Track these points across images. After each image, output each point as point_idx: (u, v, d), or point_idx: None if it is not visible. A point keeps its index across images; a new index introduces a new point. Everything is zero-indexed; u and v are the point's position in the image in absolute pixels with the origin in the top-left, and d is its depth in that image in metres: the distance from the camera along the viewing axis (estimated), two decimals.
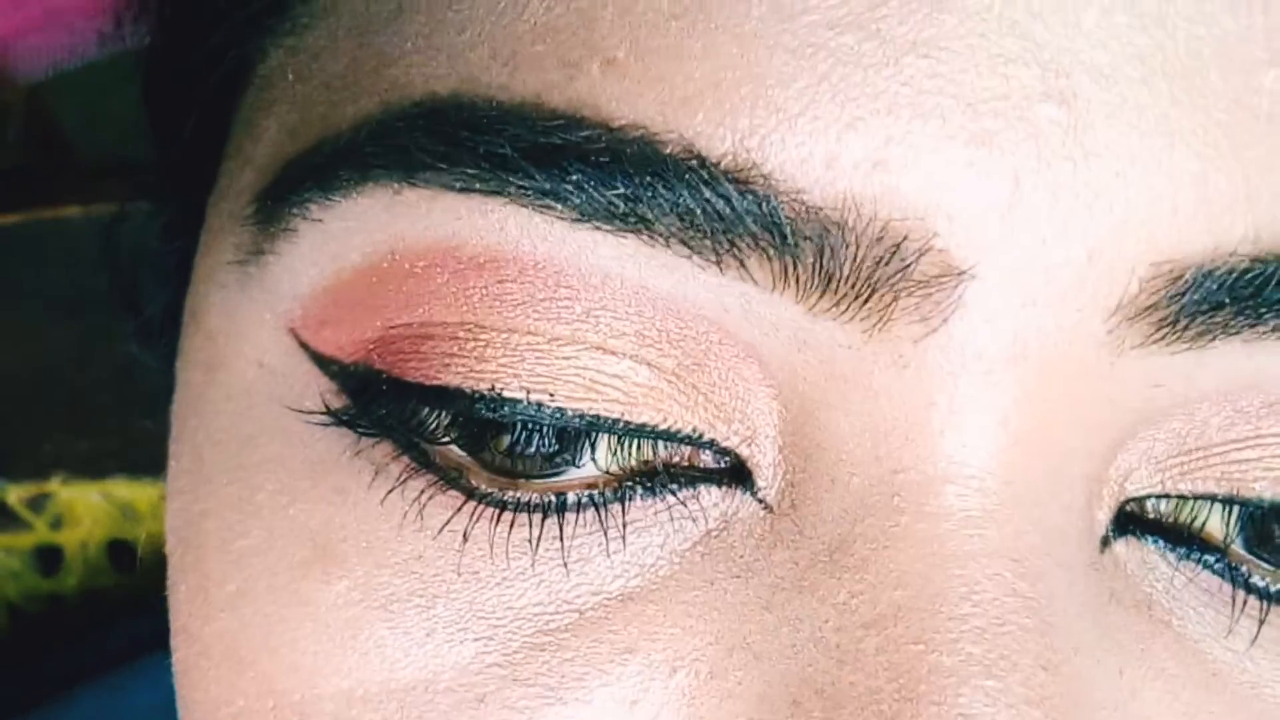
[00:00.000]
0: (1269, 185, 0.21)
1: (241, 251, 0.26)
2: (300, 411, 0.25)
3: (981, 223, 0.21)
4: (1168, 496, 0.24)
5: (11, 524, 0.61)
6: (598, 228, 0.22)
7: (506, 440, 0.23)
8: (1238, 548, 0.24)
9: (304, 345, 0.25)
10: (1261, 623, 0.24)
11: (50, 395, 0.58)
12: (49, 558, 0.62)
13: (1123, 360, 0.22)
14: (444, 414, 0.24)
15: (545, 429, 0.23)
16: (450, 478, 0.24)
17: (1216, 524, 0.24)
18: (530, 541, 0.23)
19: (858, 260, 0.21)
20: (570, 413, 0.23)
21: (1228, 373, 0.22)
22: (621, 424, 0.23)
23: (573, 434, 0.23)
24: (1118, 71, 0.21)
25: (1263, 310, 0.21)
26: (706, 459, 0.24)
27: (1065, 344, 0.22)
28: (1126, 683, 0.23)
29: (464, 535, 0.24)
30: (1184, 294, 0.21)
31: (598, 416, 0.23)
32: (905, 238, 0.21)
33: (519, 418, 0.23)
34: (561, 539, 0.23)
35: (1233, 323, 0.22)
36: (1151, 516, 0.24)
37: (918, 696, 0.21)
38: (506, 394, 0.23)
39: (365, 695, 0.24)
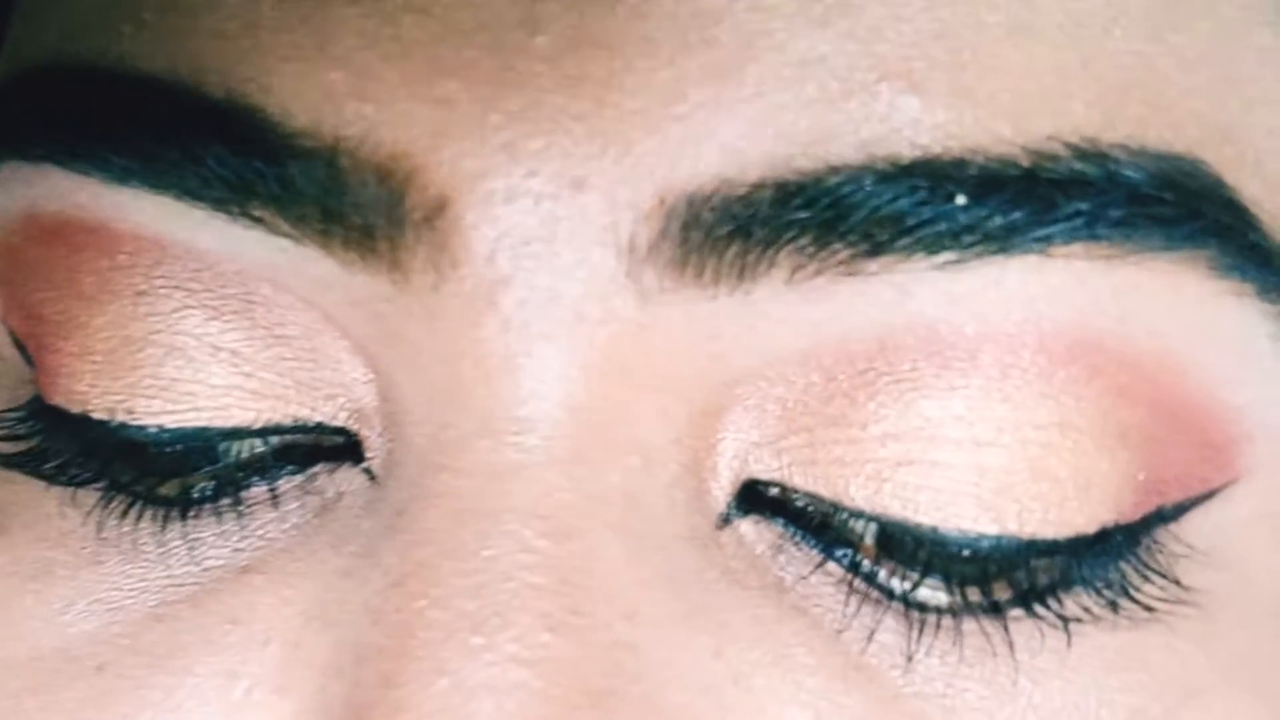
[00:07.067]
0: (775, 110, 0.20)
1: None
2: None
3: (462, 155, 0.20)
4: (789, 488, 0.22)
5: None
6: (136, 187, 0.22)
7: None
8: (869, 543, 0.22)
9: None
10: (875, 625, 0.21)
11: None
12: None
13: (654, 306, 0.20)
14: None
15: (139, 445, 0.23)
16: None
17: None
18: (157, 533, 0.24)
19: (356, 202, 0.20)
20: (152, 427, 0.23)
21: (797, 325, 0.20)
22: (213, 431, 0.23)
23: (169, 450, 0.23)
24: None
25: (778, 242, 0.19)
26: (324, 438, 0.23)
27: (579, 287, 0.20)
28: (726, 665, 0.21)
29: (99, 525, 0.24)
30: (687, 228, 0.20)
31: (182, 428, 0.23)
32: (391, 174, 0.20)
33: (115, 438, 0.23)
34: (184, 526, 0.24)
35: (750, 259, 0.20)
36: (779, 500, 0.22)
37: (408, 652, 0.20)
38: (94, 415, 0.23)
39: (13, 663, 0.24)
